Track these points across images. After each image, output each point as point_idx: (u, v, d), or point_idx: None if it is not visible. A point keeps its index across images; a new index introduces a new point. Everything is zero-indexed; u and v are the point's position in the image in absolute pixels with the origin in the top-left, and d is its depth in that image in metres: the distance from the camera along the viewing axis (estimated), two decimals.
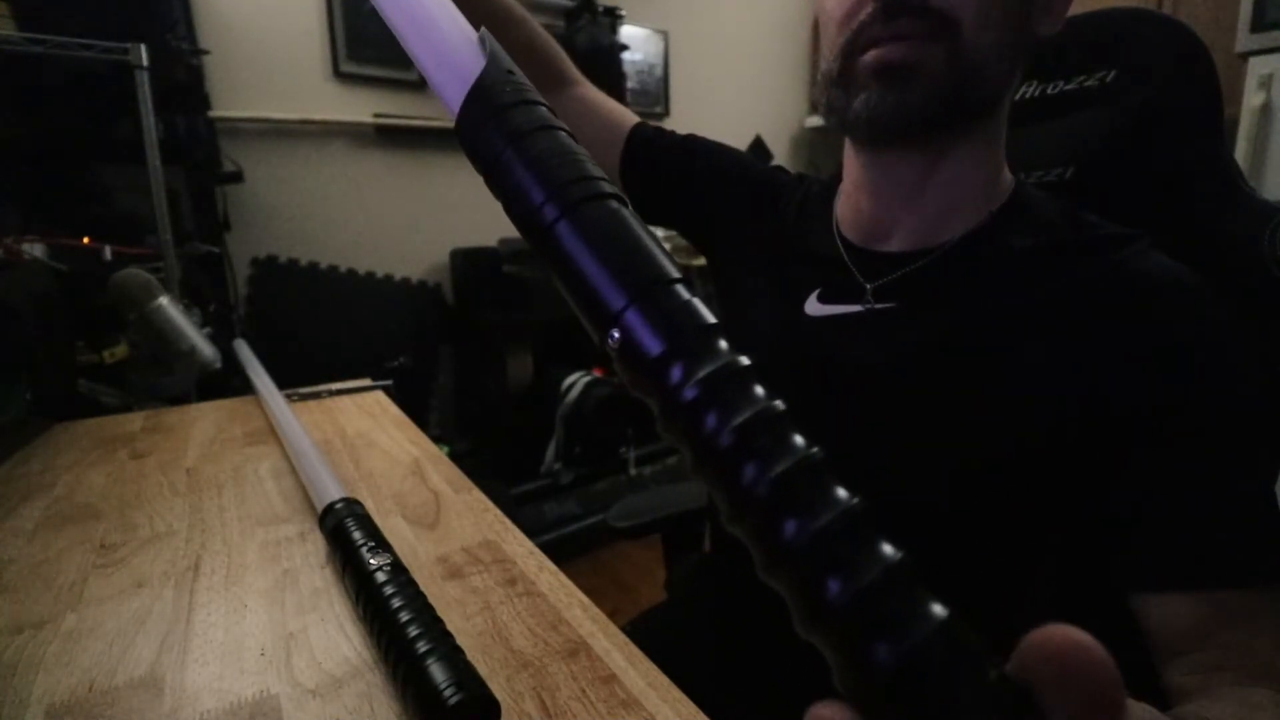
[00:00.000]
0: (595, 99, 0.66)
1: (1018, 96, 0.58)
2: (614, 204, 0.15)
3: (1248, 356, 0.39)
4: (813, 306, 0.51)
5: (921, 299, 0.47)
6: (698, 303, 0.15)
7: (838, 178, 0.55)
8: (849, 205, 0.53)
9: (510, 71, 0.18)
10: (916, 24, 0.41)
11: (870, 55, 0.42)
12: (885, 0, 0.41)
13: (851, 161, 0.52)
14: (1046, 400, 0.41)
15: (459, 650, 0.31)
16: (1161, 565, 0.37)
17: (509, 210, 0.17)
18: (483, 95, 0.17)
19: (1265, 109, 1.65)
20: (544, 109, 0.17)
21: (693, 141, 0.65)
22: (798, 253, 0.55)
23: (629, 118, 0.66)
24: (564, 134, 0.17)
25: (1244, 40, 1.70)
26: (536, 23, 0.62)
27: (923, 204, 0.47)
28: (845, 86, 0.45)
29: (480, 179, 0.18)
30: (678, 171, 0.63)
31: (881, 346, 0.47)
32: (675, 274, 0.15)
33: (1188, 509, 0.37)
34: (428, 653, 0.30)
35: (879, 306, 0.48)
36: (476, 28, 0.21)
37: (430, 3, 0.21)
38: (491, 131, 0.17)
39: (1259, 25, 1.68)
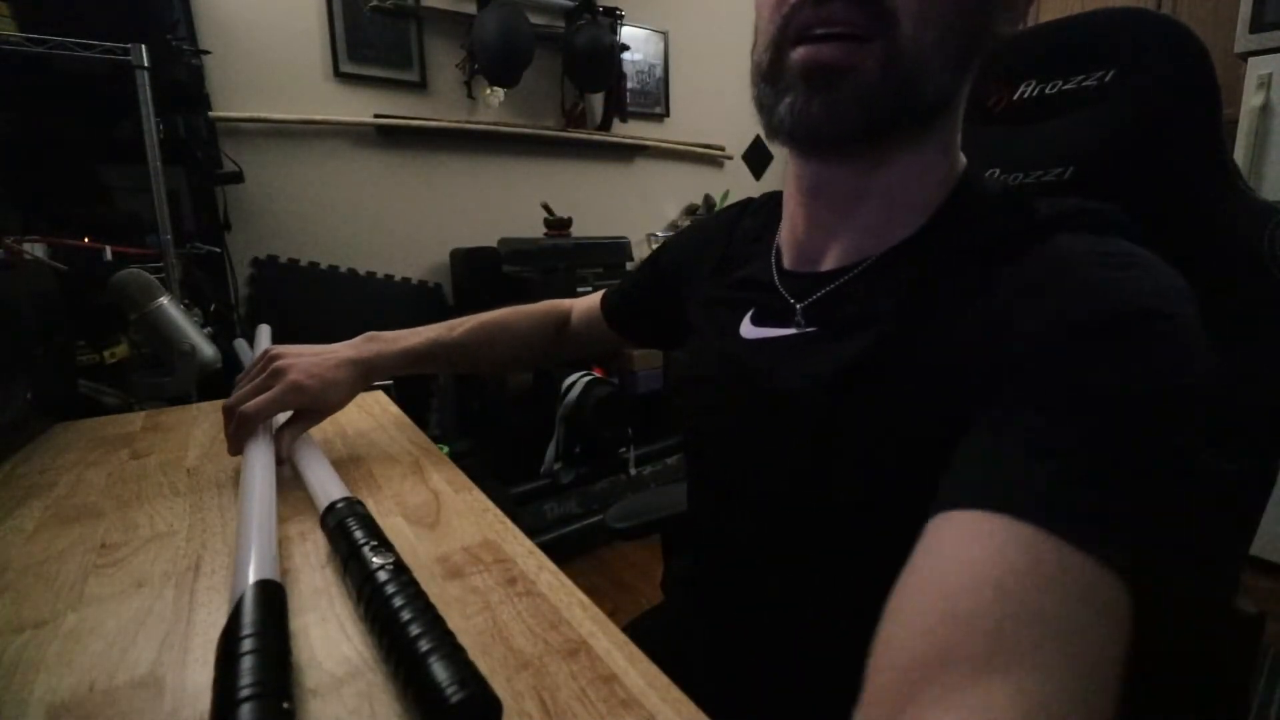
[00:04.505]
0: (579, 317, 0.78)
1: (1016, 96, 0.58)
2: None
3: (1179, 336, 0.31)
4: (746, 328, 0.50)
5: (843, 318, 0.43)
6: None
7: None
8: (787, 223, 0.50)
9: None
10: (850, 10, 0.36)
11: (799, 52, 0.38)
12: None
13: (789, 171, 0.49)
14: (948, 408, 0.35)
15: (461, 649, 0.31)
16: (958, 487, 0.30)
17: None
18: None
19: (1264, 109, 1.65)
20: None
21: (647, 262, 0.72)
22: (739, 279, 0.54)
23: (595, 300, 0.77)
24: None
25: (1243, 40, 1.71)
26: (525, 320, 0.77)
27: (858, 217, 0.44)
28: (773, 82, 0.41)
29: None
30: (651, 297, 0.70)
31: (801, 370, 0.44)
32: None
33: (1007, 449, 0.30)
34: (430, 651, 0.30)
35: (807, 330, 0.46)
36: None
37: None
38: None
39: (1258, 25, 1.68)
